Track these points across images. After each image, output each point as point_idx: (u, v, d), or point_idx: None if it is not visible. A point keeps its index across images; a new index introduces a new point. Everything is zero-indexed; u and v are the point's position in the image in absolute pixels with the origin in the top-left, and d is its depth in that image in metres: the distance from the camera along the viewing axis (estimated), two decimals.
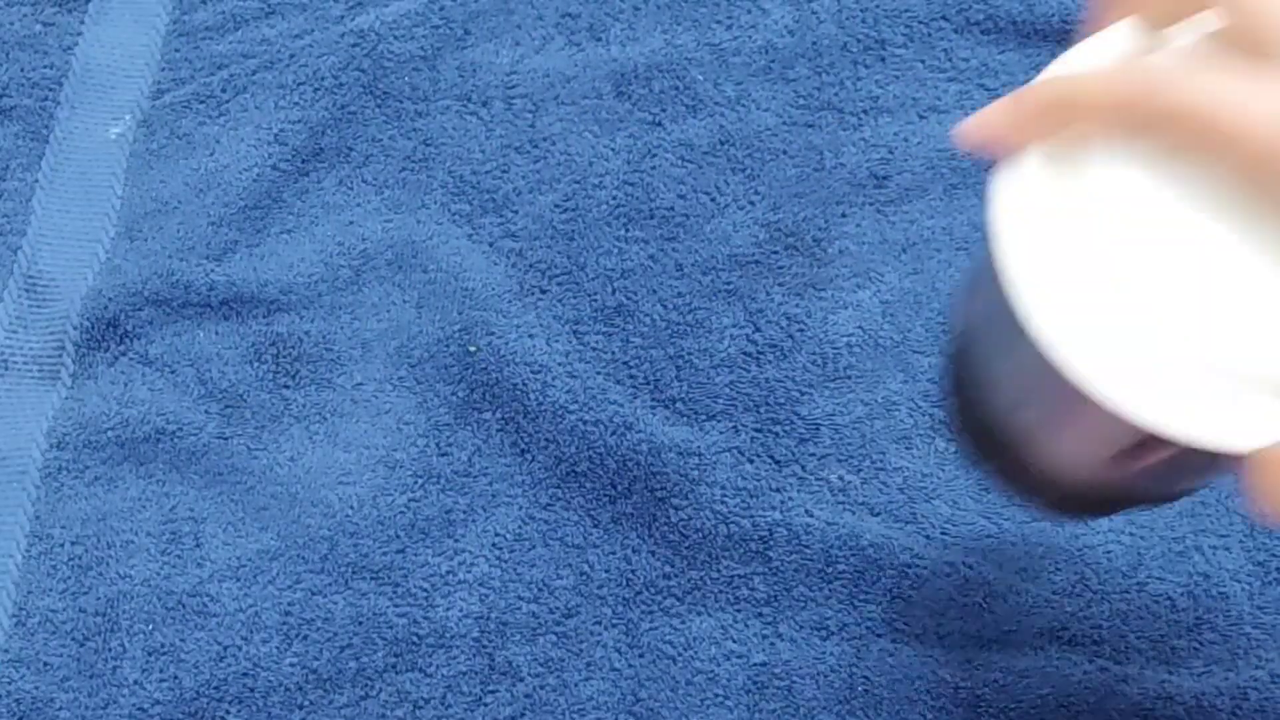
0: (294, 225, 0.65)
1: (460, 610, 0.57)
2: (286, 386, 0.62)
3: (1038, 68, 0.66)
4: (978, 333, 0.42)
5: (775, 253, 0.63)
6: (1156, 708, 0.54)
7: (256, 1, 0.70)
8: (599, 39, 0.68)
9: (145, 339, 0.63)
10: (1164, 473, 0.40)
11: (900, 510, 0.58)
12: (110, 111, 0.69)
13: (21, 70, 0.69)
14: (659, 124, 0.66)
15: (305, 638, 0.57)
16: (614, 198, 0.65)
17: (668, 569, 0.57)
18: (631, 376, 0.61)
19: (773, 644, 0.56)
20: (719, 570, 0.57)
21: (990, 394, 0.42)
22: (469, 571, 0.58)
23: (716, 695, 0.56)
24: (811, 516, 0.57)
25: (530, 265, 0.64)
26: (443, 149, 0.66)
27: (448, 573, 0.58)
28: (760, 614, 0.56)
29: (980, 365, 0.42)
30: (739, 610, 0.57)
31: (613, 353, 0.62)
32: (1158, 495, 0.44)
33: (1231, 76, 0.34)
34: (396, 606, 0.58)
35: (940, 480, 0.58)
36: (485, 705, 0.56)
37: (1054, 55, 0.66)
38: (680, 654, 0.56)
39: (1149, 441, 0.36)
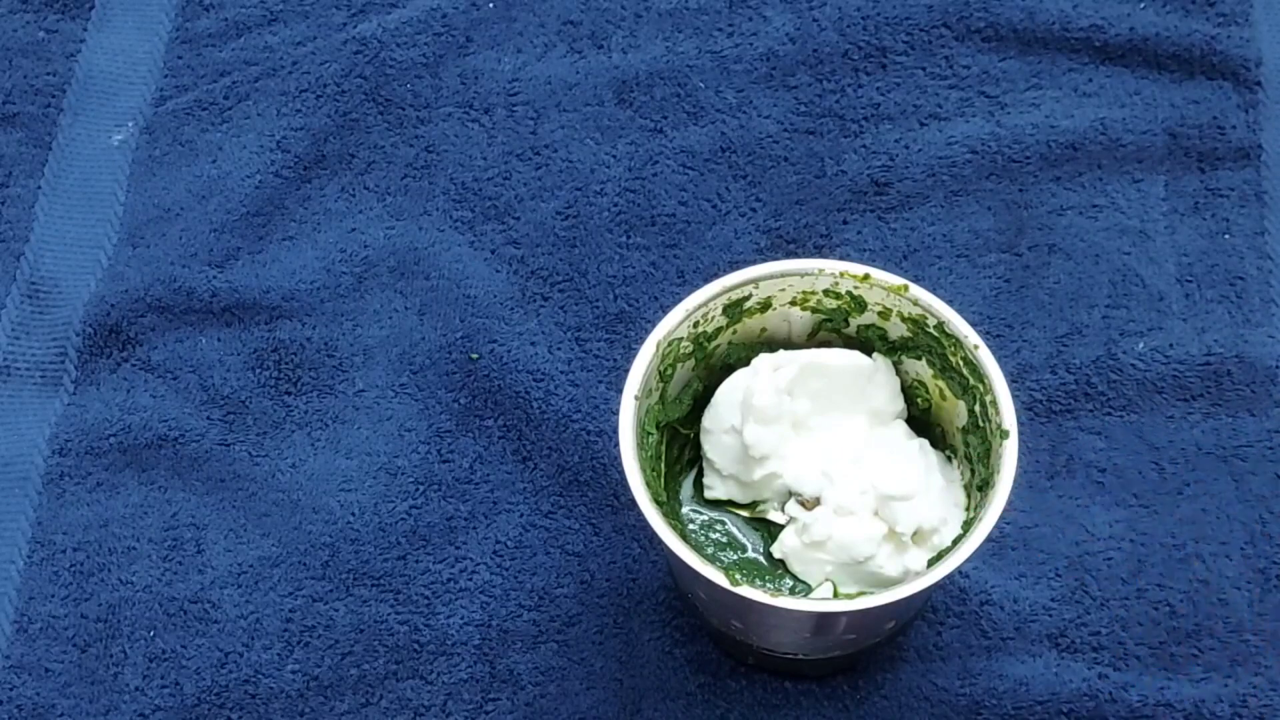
0: (296, 232, 0.65)
1: (461, 618, 0.57)
2: (288, 393, 0.62)
3: (1039, 75, 0.66)
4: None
5: (777, 259, 0.63)
6: (1156, 715, 0.54)
7: (259, 9, 0.70)
8: (600, 46, 0.68)
9: (147, 345, 0.63)
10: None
11: None
12: (113, 118, 0.69)
13: (24, 77, 0.69)
14: (660, 131, 0.66)
15: (306, 644, 0.57)
16: (615, 205, 0.65)
17: (669, 579, 0.57)
18: None
19: None
20: None
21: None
22: (470, 579, 0.58)
23: (718, 707, 0.56)
24: None
25: (532, 272, 0.64)
26: (445, 156, 0.66)
27: (449, 580, 0.58)
28: None
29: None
30: None
31: (615, 360, 0.62)
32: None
33: None
34: (398, 614, 0.58)
35: None
36: (486, 713, 0.56)
37: (1054, 63, 0.67)
38: (681, 665, 0.56)
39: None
